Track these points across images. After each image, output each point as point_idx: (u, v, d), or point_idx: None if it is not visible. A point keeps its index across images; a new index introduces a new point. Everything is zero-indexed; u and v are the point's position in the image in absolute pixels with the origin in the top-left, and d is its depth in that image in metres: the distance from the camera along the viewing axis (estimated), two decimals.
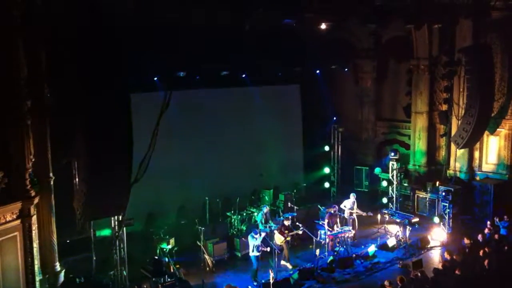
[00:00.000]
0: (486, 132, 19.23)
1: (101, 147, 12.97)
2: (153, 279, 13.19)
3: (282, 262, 15.51)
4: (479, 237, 15.36)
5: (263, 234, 14.80)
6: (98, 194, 12.98)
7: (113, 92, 12.97)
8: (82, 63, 11.99)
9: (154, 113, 13.78)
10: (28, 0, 11.33)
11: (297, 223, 16.11)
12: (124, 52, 12.66)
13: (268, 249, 14.74)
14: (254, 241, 14.49)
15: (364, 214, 17.76)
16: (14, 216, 11.39)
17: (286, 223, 15.82)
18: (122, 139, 13.77)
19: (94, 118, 12.66)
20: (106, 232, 14.54)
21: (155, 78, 15.99)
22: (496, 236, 15.50)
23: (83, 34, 11.76)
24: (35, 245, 11.95)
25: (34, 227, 11.93)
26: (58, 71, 12.38)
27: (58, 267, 12.99)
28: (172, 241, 15.62)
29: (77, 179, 13.67)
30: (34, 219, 11.91)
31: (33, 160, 11.93)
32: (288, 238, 15.63)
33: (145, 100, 15.53)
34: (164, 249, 15.22)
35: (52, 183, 12.63)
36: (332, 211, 16.78)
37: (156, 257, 14.29)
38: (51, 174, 12.57)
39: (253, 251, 14.55)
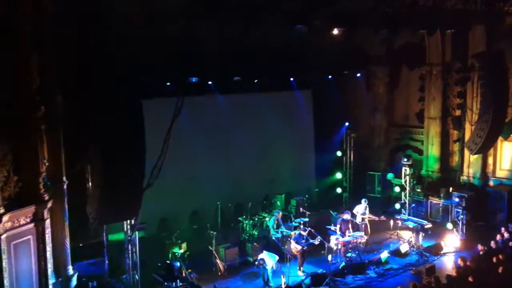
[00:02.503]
0: (500, 138, 19.07)
1: (114, 152, 13.09)
2: (165, 283, 13.23)
3: (299, 273, 15.40)
4: (492, 243, 15.25)
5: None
6: (111, 199, 13.08)
7: (125, 97, 13.10)
8: (94, 71, 12.14)
9: (166, 119, 13.90)
10: (40, 11, 11.49)
11: (312, 231, 15.97)
12: (137, 58, 12.79)
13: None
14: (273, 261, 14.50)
15: (376, 218, 17.73)
16: (28, 220, 11.53)
17: (303, 233, 15.72)
18: (135, 144, 13.89)
19: (106, 124, 12.78)
20: (119, 236, 14.62)
21: (168, 84, 16.08)
22: (511, 243, 15.37)
23: (95, 45, 11.93)
24: (49, 248, 12.07)
25: (48, 231, 12.06)
26: (70, 79, 12.52)
27: (71, 271, 13.10)
28: (184, 245, 15.67)
29: (90, 184, 13.77)
30: (47, 223, 12.04)
31: (47, 164, 12.07)
32: (305, 248, 15.56)
33: (157, 105, 15.62)
34: (176, 254, 15.27)
35: (65, 187, 12.76)
36: (345, 217, 16.73)
37: (168, 262, 14.33)
38: (64, 179, 12.69)
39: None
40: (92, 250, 14.24)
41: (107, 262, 14.10)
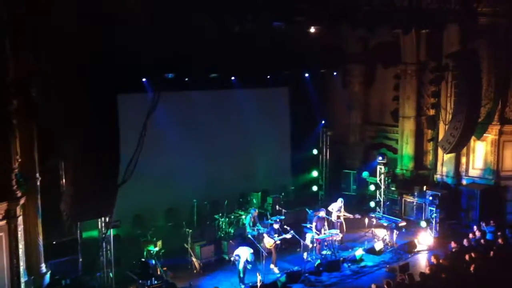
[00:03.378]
0: (473, 137, 19.36)
1: (89, 148, 12.89)
2: (140, 281, 13.12)
3: (271, 266, 15.49)
4: (465, 241, 15.48)
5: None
6: (85, 196, 12.88)
7: (100, 93, 12.91)
8: (69, 65, 11.94)
9: (142, 115, 13.75)
10: (14, 1, 11.27)
11: (285, 227, 16.10)
12: (112, 53, 12.61)
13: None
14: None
15: (351, 216, 17.83)
16: (0, 217, 11.29)
17: (276, 226, 15.81)
18: (109, 140, 13.71)
19: (81, 119, 12.58)
20: (93, 234, 14.44)
21: (144, 79, 15.91)
22: (482, 241, 15.63)
23: (71, 40, 11.73)
24: (21, 246, 11.86)
25: (20, 228, 11.85)
26: (46, 72, 12.29)
27: (44, 269, 12.91)
28: (159, 243, 15.55)
29: (64, 180, 13.56)
30: (20, 220, 11.83)
31: (19, 160, 11.85)
32: (278, 242, 15.62)
33: (133, 101, 15.45)
34: (151, 252, 15.15)
35: (38, 184, 12.54)
36: (320, 215, 16.80)
37: (143, 260, 14.21)
38: (37, 175, 12.48)
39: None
40: (66, 247, 14.04)
41: (81, 260, 13.92)
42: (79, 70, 11.97)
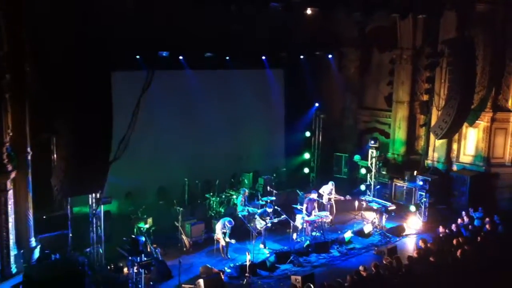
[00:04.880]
0: (465, 124, 19.42)
1: (81, 124, 12.86)
2: (130, 258, 13.18)
3: (261, 246, 15.60)
4: (453, 227, 15.63)
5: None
6: (76, 171, 12.88)
7: (93, 69, 12.84)
8: (62, 40, 11.85)
9: (135, 92, 13.70)
10: None
11: (278, 209, 16.15)
12: (107, 30, 12.52)
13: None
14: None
15: (342, 198, 17.96)
16: None
17: (269, 210, 15.89)
18: (102, 117, 13.66)
19: (74, 95, 12.52)
20: (83, 209, 14.46)
21: (138, 56, 15.83)
22: (470, 227, 15.79)
23: (65, 14, 11.63)
24: (11, 220, 11.89)
25: (10, 202, 11.87)
26: (39, 48, 12.21)
27: (33, 243, 12.95)
28: (150, 220, 15.62)
29: (55, 155, 13.54)
30: (10, 193, 11.84)
31: (10, 134, 11.81)
32: (269, 224, 15.70)
33: (126, 78, 15.38)
34: (142, 229, 15.22)
35: (30, 158, 12.52)
36: (311, 197, 16.89)
37: (133, 236, 14.26)
38: (29, 149, 12.46)
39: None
40: (56, 222, 14.07)
41: (70, 235, 13.95)
42: (72, 45, 11.91)
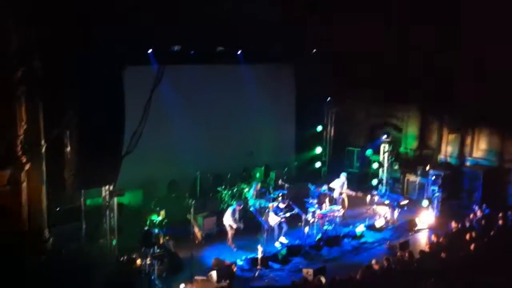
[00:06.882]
0: None
1: (94, 118, 12.97)
2: (143, 249, 13.26)
3: (277, 244, 15.54)
4: (466, 221, 15.55)
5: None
6: (89, 164, 13.01)
7: (105, 64, 12.93)
8: (74, 35, 11.93)
9: (147, 87, 13.78)
10: None
11: (291, 203, 16.10)
12: (118, 24, 12.58)
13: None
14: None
15: (354, 193, 17.90)
16: (4, 183, 11.40)
17: (281, 205, 15.85)
18: (115, 111, 13.78)
19: (86, 90, 12.63)
20: (96, 201, 14.55)
21: (149, 51, 15.85)
22: (483, 222, 15.70)
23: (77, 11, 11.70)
24: (25, 212, 11.98)
25: (24, 194, 11.95)
26: (50, 43, 12.26)
27: (47, 235, 13.04)
28: (162, 213, 15.67)
29: (69, 148, 13.63)
30: (24, 186, 11.93)
31: (24, 127, 11.90)
32: (283, 220, 15.69)
33: (138, 73, 15.43)
34: (154, 221, 15.27)
35: (43, 151, 12.61)
36: (322, 190, 16.87)
37: (146, 228, 14.34)
38: (43, 142, 12.55)
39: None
40: (70, 214, 14.16)
41: (84, 226, 14.05)
42: (84, 42, 11.98)
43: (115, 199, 13.89)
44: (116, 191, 13.51)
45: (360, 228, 16.48)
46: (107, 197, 13.74)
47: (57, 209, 13.93)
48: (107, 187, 13.72)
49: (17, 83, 11.51)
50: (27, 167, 11.95)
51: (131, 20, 13.19)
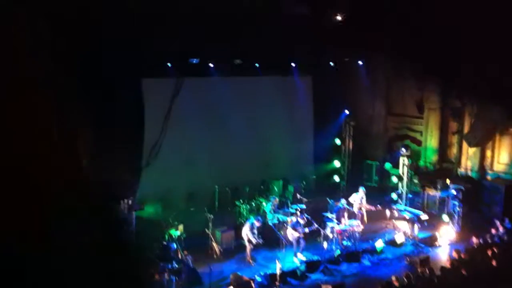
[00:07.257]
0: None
1: (113, 130, 13.02)
2: (161, 264, 13.22)
3: (295, 260, 15.39)
4: (487, 237, 15.30)
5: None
6: (109, 177, 13.02)
7: (125, 76, 13.01)
8: (93, 48, 12.00)
9: (165, 99, 13.84)
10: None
11: (309, 218, 15.94)
12: (138, 37, 12.66)
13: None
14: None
15: (373, 208, 17.72)
16: None
17: (301, 221, 15.71)
18: (134, 123, 13.85)
19: (106, 102, 12.69)
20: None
21: (168, 64, 15.94)
22: (505, 238, 15.43)
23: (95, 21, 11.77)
24: None
25: None
26: (68, 55, 12.35)
27: None
28: (181, 227, 15.64)
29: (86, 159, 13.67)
30: None
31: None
32: (301, 235, 15.54)
33: (157, 85, 15.50)
34: (173, 235, 15.24)
35: None
36: (341, 205, 16.74)
37: (165, 243, 14.31)
38: None
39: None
40: None
41: None
42: (103, 53, 12.03)
43: (134, 213, 13.89)
44: (135, 205, 13.52)
45: (379, 244, 16.28)
46: (126, 210, 13.74)
47: None
48: (126, 200, 13.73)
49: (28, 84, 11.56)
50: None
51: (151, 33, 13.29)
